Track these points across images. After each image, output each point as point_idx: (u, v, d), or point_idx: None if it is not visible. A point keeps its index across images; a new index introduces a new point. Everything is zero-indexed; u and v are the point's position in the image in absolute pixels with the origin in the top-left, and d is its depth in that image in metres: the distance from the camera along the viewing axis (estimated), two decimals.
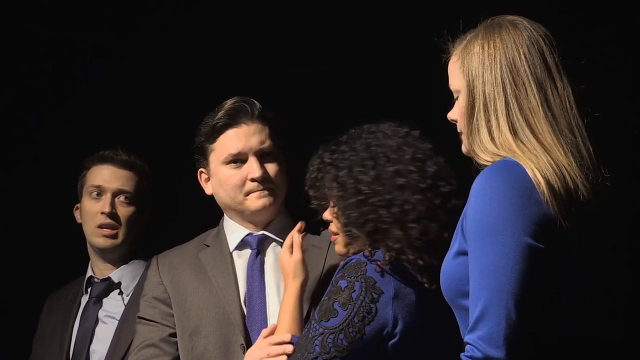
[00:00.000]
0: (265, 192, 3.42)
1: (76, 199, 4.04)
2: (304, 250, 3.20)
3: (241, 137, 3.42)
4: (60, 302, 4.03)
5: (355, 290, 2.82)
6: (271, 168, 3.43)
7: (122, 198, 3.95)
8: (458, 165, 2.90)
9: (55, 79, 4.54)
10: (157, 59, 4.47)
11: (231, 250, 3.49)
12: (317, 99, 4.33)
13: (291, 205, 3.53)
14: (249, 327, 3.36)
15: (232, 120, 3.43)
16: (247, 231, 3.49)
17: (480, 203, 2.47)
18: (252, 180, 3.41)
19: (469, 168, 2.73)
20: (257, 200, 3.43)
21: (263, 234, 3.48)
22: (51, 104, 4.55)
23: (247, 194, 3.43)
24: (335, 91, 4.37)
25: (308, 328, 2.87)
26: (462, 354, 2.44)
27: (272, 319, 3.31)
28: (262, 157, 3.42)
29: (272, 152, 3.44)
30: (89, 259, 4.02)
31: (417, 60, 3.65)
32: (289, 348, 2.92)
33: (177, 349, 3.41)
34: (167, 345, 3.41)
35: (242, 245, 3.50)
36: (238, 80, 4.32)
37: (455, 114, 2.68)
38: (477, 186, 2.51)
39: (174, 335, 3.42)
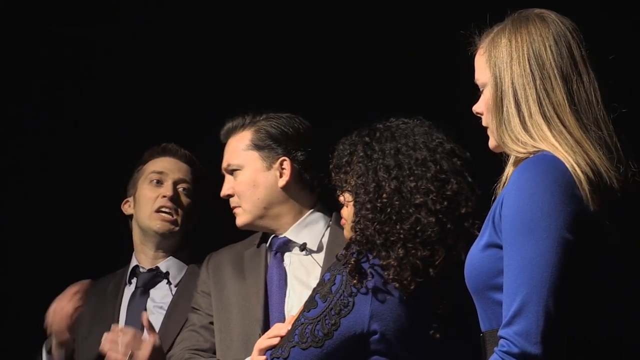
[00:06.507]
0: (236, 211, 3.58)
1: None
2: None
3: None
4: (98, 295, 3.93)
5: (335, 284, 2.86)
6: (234, 183, 3.58)
7: (181, 188, 3.91)
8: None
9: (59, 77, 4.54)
10: (159, 59, 4.49)
11: (267, 248, 3.61)
12: (318, 99, 4.33)
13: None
14: (269, 321, 3.45)
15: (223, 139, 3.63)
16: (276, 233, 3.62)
17: (521, 197, 2.43)
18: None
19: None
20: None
21: (285, 237, 3.59)
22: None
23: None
24: (333, 90, 4.38)
25: (296, 319, 2.94)
26: (496, 349, 2.42)
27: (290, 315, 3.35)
28: (229, 175, 3.59)
29: (234, 169, 3.57)
30: (131, 251, 3.99)
31: (438, 56, 3.68)
32: (284, 331, 2.96)
33: None
34: (207, 333, 3.55)
35: (271, 246, 3.62)
36: (242, 79, 4.38)
37: (481, 106, 2.66)
38: (518, 179, 2.47)
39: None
